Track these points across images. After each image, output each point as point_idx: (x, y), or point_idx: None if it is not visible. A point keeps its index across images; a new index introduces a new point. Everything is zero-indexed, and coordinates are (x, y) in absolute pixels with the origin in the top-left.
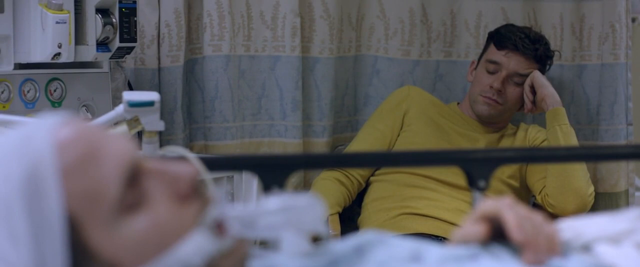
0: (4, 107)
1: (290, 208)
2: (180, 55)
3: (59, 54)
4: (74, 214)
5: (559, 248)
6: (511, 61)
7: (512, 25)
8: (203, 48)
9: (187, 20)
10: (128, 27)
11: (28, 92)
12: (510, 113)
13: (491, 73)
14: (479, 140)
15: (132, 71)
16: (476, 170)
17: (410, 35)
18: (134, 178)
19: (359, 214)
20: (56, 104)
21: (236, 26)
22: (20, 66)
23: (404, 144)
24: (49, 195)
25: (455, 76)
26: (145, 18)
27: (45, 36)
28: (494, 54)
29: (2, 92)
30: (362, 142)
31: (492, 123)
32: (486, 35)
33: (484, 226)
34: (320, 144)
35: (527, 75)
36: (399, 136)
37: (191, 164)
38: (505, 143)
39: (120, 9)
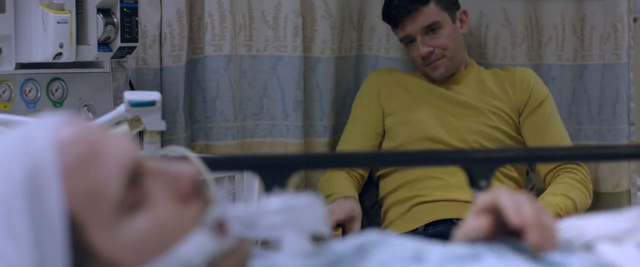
0: (5, 107)
1: (291, 208)
2: (182, 55)
3: (60, 53)
4: (74, 214)
5: (557, 238)
6: (410, 26)
7: (386, 1)
8: (204, 48)
9: (188, 20)
10: (129, 27)
11: (29, 92)
12: (457, 51)
13: (410, 45)
14: (461, 91)
15: (134, 71)
16: (477, 170)
17: None
18: (135, 178)
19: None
20: (57, 104)
21: (237, 26)
22: (21, 66)
23: (400, 125)
24: (49, 195)
25: None
26: (147, 18)
27: (46, 36)
28: (398, 33)
29: (4, 92)
30: (350, 138)
31: (451, 75)
32: (487, 35)
33: (486, 219)
34: (321, 144)
35: (435, 22)
36: (384, 121)
37: (192, 164)
38: (489, 77)
39: (121, 8)
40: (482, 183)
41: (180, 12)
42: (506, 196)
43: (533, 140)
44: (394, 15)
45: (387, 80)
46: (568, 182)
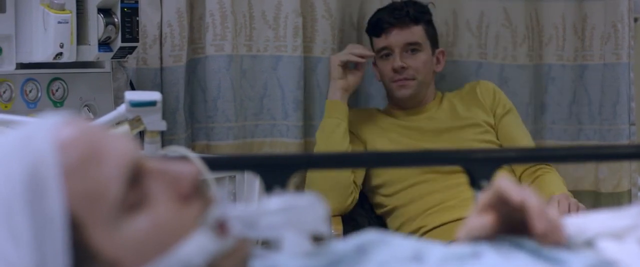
0: (5, 107)
1: (292, 208)
2: (183, 55)
3: (60, 53)
4: (75, 214)
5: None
6: (394, 37)
7: (378, 10)
8: (205, 48)
9: (189, 20)
10: (130, 27)
11: (30, 92)
12: (427, 81)
13: (387, 59)
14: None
15: (134, 71)
16: (478, 170)
17: None
18: (136, 178)
19: (361, 215)
20: (58, 104)
21: (238, 26)
22: (22, 66)
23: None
24: (50, 195)
25: (456, 76)
26: (147, 18)
27: (47, 36)
28: (378, 42)
29: (4, 92)
30: None
31: (418, 103)
32: (487, 35)
33: (490, 216)
34: None
35: (418, 44)
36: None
37: (193, 164)
38: (446, 110)
39: (122, 8)
40: (484, 183)
41: (181, 12)
42: (507, 180)
43: (505, 144)
44: (382, 23)
45: (360, 118)
46: (558, 179)
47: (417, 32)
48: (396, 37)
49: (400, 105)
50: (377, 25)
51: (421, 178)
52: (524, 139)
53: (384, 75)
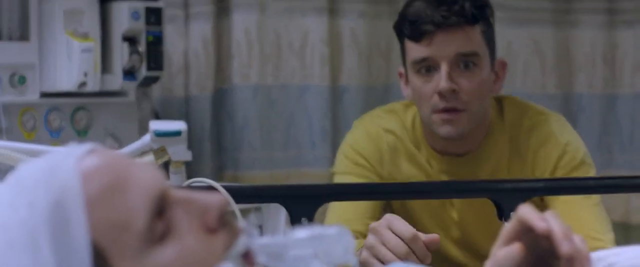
0: (29, 136)
1: (319, 239)
2: (209, 84)
3: (84, 82)
4: (100, 244)
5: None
6: (442, 45)
7: (414, 2)
8: (231, 77)
9: (215, 49)
10: (155, 56)
11: (53, 121)
12: (481, 112)
13: (427, 75)
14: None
15: (159, 100)
16: (506, 201)
17: None
18: (162, 208)
19: None
20: (82, 133)
21: (265, 55)
22: (45, 95)
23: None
24: (74, 225)
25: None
26: (173, 47)
27: (71, 65)
28: (415, 50)
29: (28, 121)
30: (351, 206)
31: (463, 145)
32: (516, 64)
33: (517, 245)
34: None
35: (475, 54)
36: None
37: (219, 194)
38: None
39: (146, 37)
40: (512, 215)
41: (206, 41)
42: (529, 208)
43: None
44: (424, 22)
45: (387, 147)
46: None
47: (474, 37)
48: (444, 45)
49: (437, 147)
50: (416, 26)
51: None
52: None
53: (421, 98)
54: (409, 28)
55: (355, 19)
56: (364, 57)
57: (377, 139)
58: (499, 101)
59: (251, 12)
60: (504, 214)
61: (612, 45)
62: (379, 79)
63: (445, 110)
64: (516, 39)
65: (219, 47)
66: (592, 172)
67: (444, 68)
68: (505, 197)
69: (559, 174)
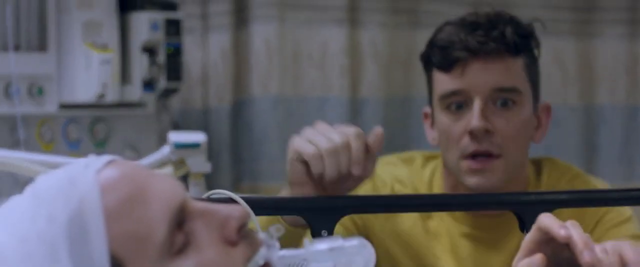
0: (47, 147)
1: (339, 250)
2: (227, 95)
3: (103, 94)
4: (119, 256)
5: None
6: (476, 76)
7: (448, 23)
8: (251, 88)
9: (234, 61)
10: (174, 67)
11: (72, 132)
12: (519, 162)
13: (457, 113)
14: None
15: (178, 112)
16: (529, 214)
17: None
18: (181, 220)
19: None
20: (101, 145)
21: (284, 66)
22: (64, 106)
23: None
24: (94, 237)
25: None
26: (192, 58)
27: (89, 76)
28: (445, 82)
29: (46, 133)
30: None
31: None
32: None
33: (539, 254)
34: None
35: (516, 90)
36: None
37: (239, 206)
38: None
39: (166, 48)
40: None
41: (225, 52)
42: (549, 217)
43: None
44: (454, 50)
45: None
46: None
47: (515, 71)
48: (480, 77)
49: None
50: (447, 52)
51: None
52: None
53: (449, 140)
54: (438, 55)
55: (375, 30)
56: (384, 68)
57: (383, 188)
58: (538, 163)
59: (270, 23)
60: (526, 227)
61: (634, 56)
62: (400, 90)
63: (476, 155)
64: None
65: (238, 58)
66: (635, 230)
67: (477, 104)
68: (528, 209)
69: (601, 228)
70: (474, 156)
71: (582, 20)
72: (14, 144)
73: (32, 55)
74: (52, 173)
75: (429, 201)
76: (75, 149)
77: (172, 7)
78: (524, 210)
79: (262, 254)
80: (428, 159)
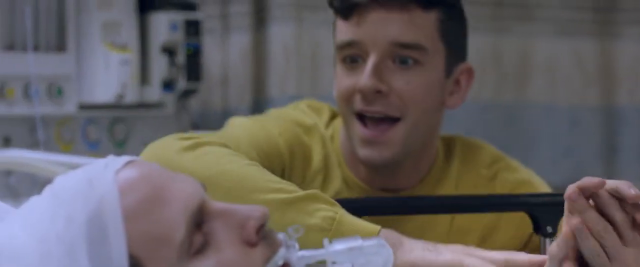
0: (66, 148)
1: (357, 250)
2: (247, 96)
3: (122, 94)
4: (137, 257)
5: None
6: (374, 27)
7: None
8: (269, 89)
9: (253, 61)
10: (193, 68)
11: (91, 133)
12: (423, 128)
13: (352, 67)
14: None
15: (198, 112)
16: (543, 215)
17: (480, 77)
18: (200, 220)
19: None
20: (120, 145)
21: (302, 67)
22: (83, 107)
23: None
24: (112, 238)
25: (527, 120)
26: (211, 58)
27: (109, 76)
28: (342, 30)
29: (65, 133)
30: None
31: (396, 179)
32: (557, 76)
33: (569, 263)
34: None
35: (419, 47)
36: None
37: (259, 207)
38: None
39: (185, 49)
40: (549, 229)
41: (244, 53)
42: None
43: None
44: None
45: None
46: None
47: (423, 26)
48: (378, 28)
49: (363, 176)
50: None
51: None
52: None
53: (340, 96)
54: (339, 2)
55: None
56: None
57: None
58: (449, 141)
59: (289, 24)
60: (540, 228)
61: None
62: None
63: (366, 117)
64: (558, 51)
65: (257, 59)
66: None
67: (371, 59)
68: (542, 210)
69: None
70: (363, 118)
71: (603, 21)
72: (34, 145)
73: (51, 55)
74: (71, 173)
75: (440, 202)
76: (94, 149)
77: (192, 7)
78: (539, 211)
79: (281, 255)
80: (335, 117)
